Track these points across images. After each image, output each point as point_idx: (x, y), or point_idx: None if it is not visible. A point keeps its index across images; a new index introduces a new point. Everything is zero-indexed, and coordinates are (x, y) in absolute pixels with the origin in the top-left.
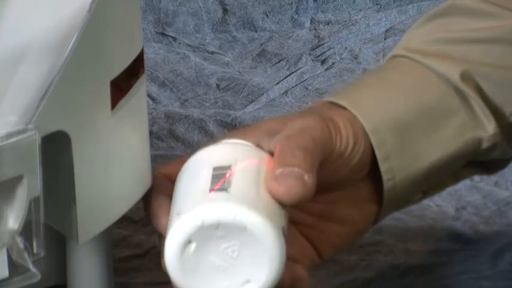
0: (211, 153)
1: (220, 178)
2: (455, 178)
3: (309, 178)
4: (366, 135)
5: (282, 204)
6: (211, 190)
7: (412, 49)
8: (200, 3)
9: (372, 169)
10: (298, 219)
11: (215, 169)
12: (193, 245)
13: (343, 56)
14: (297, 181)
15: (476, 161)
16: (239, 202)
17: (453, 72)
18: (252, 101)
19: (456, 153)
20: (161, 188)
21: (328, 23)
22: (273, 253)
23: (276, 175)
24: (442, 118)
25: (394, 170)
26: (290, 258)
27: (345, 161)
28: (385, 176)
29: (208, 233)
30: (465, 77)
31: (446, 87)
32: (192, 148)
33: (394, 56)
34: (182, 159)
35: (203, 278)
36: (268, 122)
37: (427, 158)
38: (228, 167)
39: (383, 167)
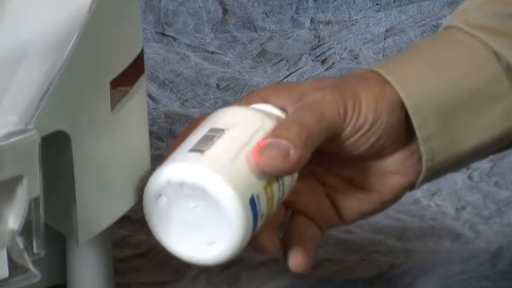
0: (220, 115)
1: (208, 139)
2: (499, 149)
3: (294, 153)
4: (399, 111)
5: (264, 173)
6: (190, 149)
7: (472, 24)
8: (200, 3)
9: (407, 144)
10: (327, 181)
11: (210, 130)
12: (164, 199)
13: (343, 56)
14: (279, 154)
15: None
16: (206, 165)
17: (509, 51)
18: None
19: (500, 137)
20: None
21: (328, 23)
22: (233, 219)
23: (263, 144)
24: (488, 102)
25: (435, 151)
26: (307, 216)
27: (362, 138)
28: (425, 157)
29: (177, 190)
30: None
31: (500, 68)
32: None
33: (451, 27)
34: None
35: (174, 231)
36: (303, 85)
37: (469, 141)
38: (221, 130)
39: (424, 148)
